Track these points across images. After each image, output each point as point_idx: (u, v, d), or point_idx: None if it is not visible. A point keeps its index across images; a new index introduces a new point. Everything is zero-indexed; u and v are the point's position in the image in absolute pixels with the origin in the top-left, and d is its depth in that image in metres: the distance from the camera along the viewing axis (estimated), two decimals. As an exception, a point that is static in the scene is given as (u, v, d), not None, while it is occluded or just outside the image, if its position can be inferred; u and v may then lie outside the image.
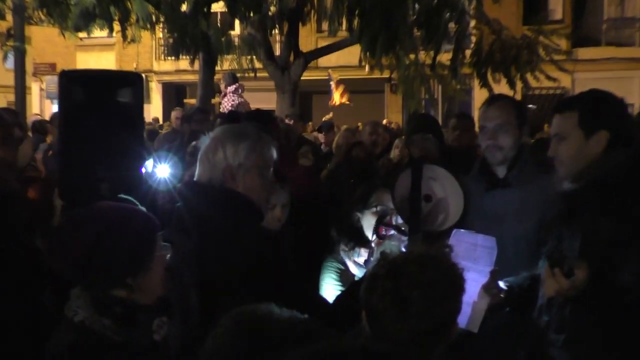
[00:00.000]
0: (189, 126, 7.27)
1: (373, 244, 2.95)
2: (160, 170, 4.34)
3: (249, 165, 2.55)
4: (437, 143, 4.62)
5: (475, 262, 2.73)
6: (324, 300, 2.86)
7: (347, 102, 14.51)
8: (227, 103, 9.35)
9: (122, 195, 2.91)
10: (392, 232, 2.90)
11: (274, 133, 4.35)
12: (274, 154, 2.64)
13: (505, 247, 3.14)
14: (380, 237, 2.90)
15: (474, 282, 2.70)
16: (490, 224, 3.11)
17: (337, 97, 14.47)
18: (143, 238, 2.13)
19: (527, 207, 3.16)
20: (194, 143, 5.22)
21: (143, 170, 3.66)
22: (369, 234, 3.14)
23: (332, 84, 14.53)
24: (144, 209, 2.39)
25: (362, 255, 3.20)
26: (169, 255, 2.20)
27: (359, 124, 12.11)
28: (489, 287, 2.70)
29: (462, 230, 2.80)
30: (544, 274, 2.46)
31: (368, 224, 3.17)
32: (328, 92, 14.60)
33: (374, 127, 7.03)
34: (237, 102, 9.33)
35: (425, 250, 2.09)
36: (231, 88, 9.46)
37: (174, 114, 9.95)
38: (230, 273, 2.37)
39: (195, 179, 2.60)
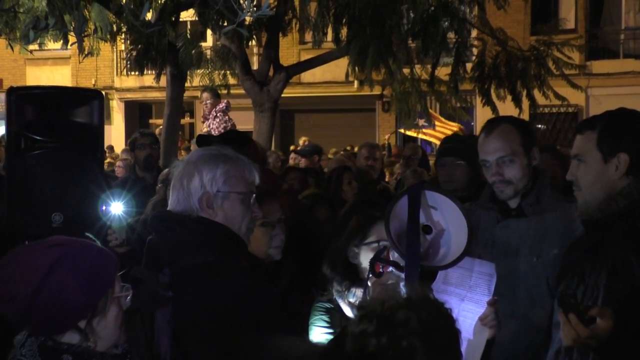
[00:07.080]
0: None
1: (369, 283, 2.93)
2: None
3: (227, 192, 2.56)
4: (469, 171, 4.52)
5: (470, 291, 2.72)
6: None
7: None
8: (216, 125, 9.17)
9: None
10: (390, 268, 2.89)
11: (252, 157, 4.36)
12: (256, 177, 2.66)
13: (520, 283, 3.15)
14: (377, 275, 2.88)
15: (470, 313, 2.68)
16: (503, 258, 3.11)
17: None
18: (98, 276, 2.11)
19: (544, 238, 3.16)
20: (166, 170, 5.23)
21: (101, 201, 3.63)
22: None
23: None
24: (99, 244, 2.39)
25: (357, 296, 3.14)
26: (129, 297, 2.19)
27: (348, 147, 12.15)
28: (488, 319, 2.69)
29: None
30: (561, 318, 2.42)
31: (367, 261, 3.07)
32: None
33: (370, 151, 6.97)
34: (229, 124, 9.17)
35: (406, 292, 2.02)
36: (221, 106, 9.30)
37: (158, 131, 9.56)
38: (208, 316, 2.35)
39: (168, 208, 2.60)
